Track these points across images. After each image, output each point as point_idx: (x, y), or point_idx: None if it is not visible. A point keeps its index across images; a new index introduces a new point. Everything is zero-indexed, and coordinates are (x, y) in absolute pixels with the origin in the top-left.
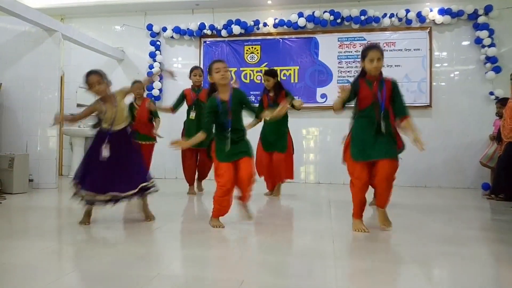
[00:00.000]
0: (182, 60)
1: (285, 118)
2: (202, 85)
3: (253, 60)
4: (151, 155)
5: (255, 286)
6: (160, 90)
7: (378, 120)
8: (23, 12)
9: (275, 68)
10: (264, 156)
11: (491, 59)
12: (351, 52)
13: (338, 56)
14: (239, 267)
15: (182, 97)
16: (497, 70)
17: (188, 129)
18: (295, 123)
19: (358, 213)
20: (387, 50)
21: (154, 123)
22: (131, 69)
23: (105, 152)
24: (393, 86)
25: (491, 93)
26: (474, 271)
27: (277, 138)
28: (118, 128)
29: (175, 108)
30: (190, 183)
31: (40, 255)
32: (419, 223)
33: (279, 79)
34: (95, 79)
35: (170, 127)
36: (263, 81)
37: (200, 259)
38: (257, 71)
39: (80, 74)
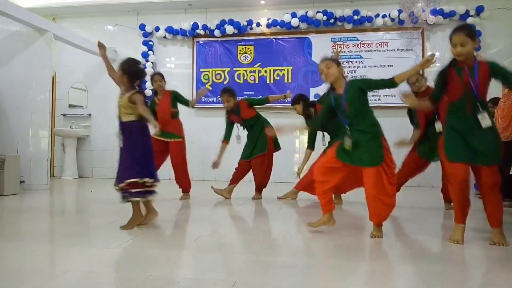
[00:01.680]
0: (175, 60)
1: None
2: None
3: (247, 60)
4: (183, 153)
5: (247, 287)
6: (153, 90)
7: (472, 113)
8: (14, 12)
9: (269, 68)
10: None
11: None
12: (344, 52)
13: (331, 56)
14: (232, 268)
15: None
16: None
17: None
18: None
19: (459, 217)
20: (380, 51)
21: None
22: None
23: (119, 142)
24: (490, 67)
25: None
26: (466, 270)
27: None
28: (124, 120)
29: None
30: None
31: (32, 257)
32: (412, 223)
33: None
34: None
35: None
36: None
37: (192, 260)
38: (250, 71)
39: (72, 74)
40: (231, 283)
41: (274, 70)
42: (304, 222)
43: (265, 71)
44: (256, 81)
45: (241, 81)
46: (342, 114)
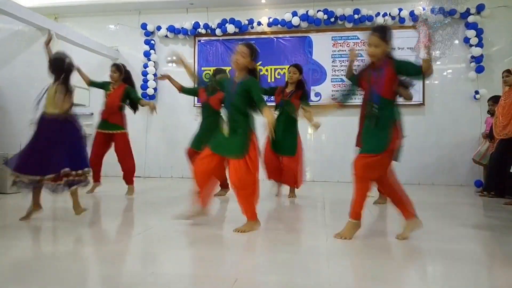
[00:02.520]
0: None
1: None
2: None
3: None
4: (128, 144)
5: (248, 285)
6: (155, 89)
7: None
8: (16, 11)
9: (270, 67)
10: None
11: (476, 59)
12: (345, 51)
13: (332, 55)
14: (233, 266)
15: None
16: (479, 69)
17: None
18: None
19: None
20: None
21: (124, 112)
22: None
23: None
24: (394, 65)
25: (477, 92)
26: (467, 268)
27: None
28: (51, 112)
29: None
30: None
31: (35, 255)
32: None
33: (302, 77)
34: None
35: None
36: (287, 74)
37: (194, 258)
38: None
39: (74, 73)
40: (232, 281)
41: (275, 69)
42: (304, 219)
43: (266, 70)
44: (257, 80)
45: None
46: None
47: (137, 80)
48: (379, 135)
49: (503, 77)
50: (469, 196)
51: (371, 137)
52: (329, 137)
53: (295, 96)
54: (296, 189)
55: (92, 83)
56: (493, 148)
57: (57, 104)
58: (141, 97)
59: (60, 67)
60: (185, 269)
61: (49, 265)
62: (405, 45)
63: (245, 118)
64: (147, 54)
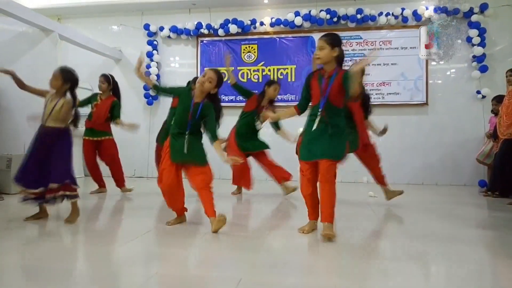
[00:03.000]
0: (179, 60)
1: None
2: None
3: (250, 59)
4: (116, 150)
5: (252, 285)
6: None
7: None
8: (19, 12)
9: (272, 67)
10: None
11: (478, 58)
12: (348, 50)
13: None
14: (237, 266)
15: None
16: (483, 69)
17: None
18: (290, 121)
19: (310, 214)
20: (383, 49)
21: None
22: (128, 69)
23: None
24: (343, 75)
25: (478, 92)
26: (471, 268)
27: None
28: (50, 125)
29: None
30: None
31: (37, 255)
32: (416, 220)
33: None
34: None
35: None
36: (273, 92)
37: (198, 258)
38: (254, 70)
39: (77, 74)
40: (236, 281)
41: (278, 69)
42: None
43: (269, 70)
44: (260, 80)
45: (245, 80)
46: None
47: (140, 81)
48: (336, 143)
49: (507, 77)
50: (473, 196)
51: (330, 143)
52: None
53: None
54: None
55: (80, 104)
56: (497, 147)
57: (62, 118)
58: (120, 115)
59: (72, 80)
60: (189, 269)
61: (52, 266)
62: (408, 45)
63: (200, 133)
64: (149, 55)
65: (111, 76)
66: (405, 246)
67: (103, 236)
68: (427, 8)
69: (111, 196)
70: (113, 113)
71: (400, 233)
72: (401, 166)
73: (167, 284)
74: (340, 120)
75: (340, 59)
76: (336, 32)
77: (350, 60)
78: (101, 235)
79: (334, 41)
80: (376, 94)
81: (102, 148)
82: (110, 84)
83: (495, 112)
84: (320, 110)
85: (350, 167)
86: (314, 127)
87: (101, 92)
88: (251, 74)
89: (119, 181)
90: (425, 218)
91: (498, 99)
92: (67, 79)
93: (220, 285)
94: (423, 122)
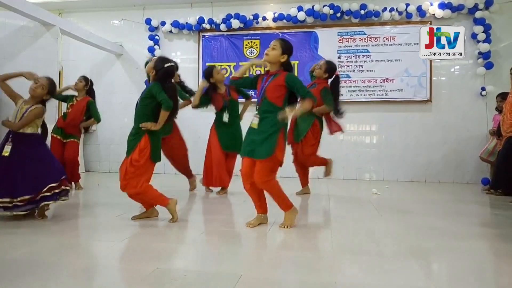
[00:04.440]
0: (181, 55)
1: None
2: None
3: (253, 55)
4: (78, 153)
5: (253, 280)
6: None
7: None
8: (20, 6)
9: None
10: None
11: (483, 55)
12: (351, 46)
13: (338, 50)
14: (238, 262)
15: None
16: (488, 66)
17: None
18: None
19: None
20: (387, 45)
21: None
22: (129, 64)
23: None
24: (285, 78)
25: (483, 89)
26: (473, 265)
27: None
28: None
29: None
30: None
31: (38, 250)
32: (418, 217)
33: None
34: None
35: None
36: (315, 69)
37: (198, 253)
38: (256, 66)
39: (78, 69)
40: (237, 277)
41: None
42: (309, 216)
43: None
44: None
45: (246, 76)
46: None
47: (141, 76)
48: (264, 140)
49: (511, 74)
50: (475, 194)
51: (257, 140)
52: (333, 135)
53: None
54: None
55: (57, 97)
56: (500, 145)
57: (37, 125)
58: (99, 116)
59: (53, 93)
60: (190, 264)
61: (51, 261)
62: (412, 41)
63: (142, 120)
64: (151, 50)
65: (91, 80)
66: (407, 243)
67: (102, 232)
68: (431, 4)
69: (109, 191)
70: (92, 114)
71: (402, 230)
72: (404, 163)
73: (167, 279)
74: (274, 117)
75: (286, 66)
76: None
77: (353, 56)
78: (100, 230)
79: (286, 49)
80: (380, 90)
81: (65, 148)
82: (87, 84)
83: (499, 110)
84: (257, 106)
85: (353, 164)
86: (251, 123)
87: (78, 90)
88: (253, 69)
89: (75, 177)
90: (428, 216)
91: (503, 96)
92: (51, 91)
93: (221, 281)
94: (426, 119)
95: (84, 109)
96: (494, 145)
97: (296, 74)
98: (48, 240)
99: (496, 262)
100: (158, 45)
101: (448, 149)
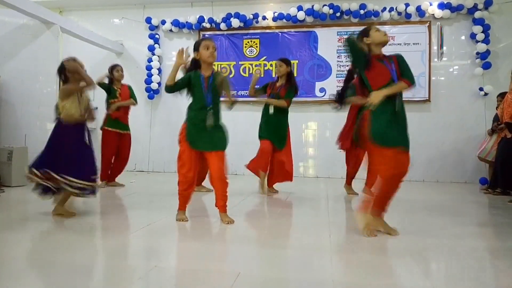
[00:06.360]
0: None
1: (285, 111)
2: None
3: (252, 54)
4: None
5: (251, 279)
6: (159, 84)
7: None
8: (21, 4)
9: (275, 61)
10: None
11: (481, 55)
12: None
13: (337, 50)
14: (236, 260)
15: None
16: (486, 66)
17: None
18: (293, 117)
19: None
20: (386, 45)
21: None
22: (130, 63)
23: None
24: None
25: (481, 89)
26: (470, 265)
27: (277, 131)
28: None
29: None
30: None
31: (39, 248)
32: (416, 217)
33: (291, 69)
34: None
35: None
36: (274, 68)
37: (197, 252)
38: (256, 65)
39: None
40: (235, 275)
41: None
42: (307, 215)
43: (271, 65)
44: (262, 75)
45: (246, 75)
46: None
47: (141, 75)
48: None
49: None
50: (473, 193)
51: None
52: (333, 134)
53: (284, 89)
54: (290, 182)
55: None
56: (496, 143)
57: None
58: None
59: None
60: (188, 263)
61: (52, 258)
62: (411, 41)
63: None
64: (151, 49)
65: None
66: (405, 243)
67: (103, 230)
68: (431, 4)
69: (110, 190)
70: (132, 96)
71: (400, 230)
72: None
73: (166, 277)
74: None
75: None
76: None
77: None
78: (101, 228)
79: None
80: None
81: (122, 141)
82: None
83: None
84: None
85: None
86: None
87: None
88: (253, 69)
89: (119, 172)
90: (426, 215)
91: (503, 96)
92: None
93: (219, 279)
94: (424, 119)
95: (129, 94)
96: (492, 145)
97: (295, 73)
98: (46, 238)
99: (494, 262)
100: (158, 44)
101: (446, 149)
